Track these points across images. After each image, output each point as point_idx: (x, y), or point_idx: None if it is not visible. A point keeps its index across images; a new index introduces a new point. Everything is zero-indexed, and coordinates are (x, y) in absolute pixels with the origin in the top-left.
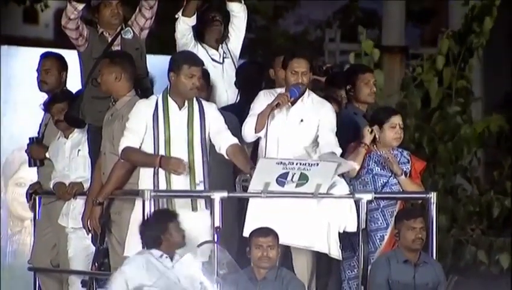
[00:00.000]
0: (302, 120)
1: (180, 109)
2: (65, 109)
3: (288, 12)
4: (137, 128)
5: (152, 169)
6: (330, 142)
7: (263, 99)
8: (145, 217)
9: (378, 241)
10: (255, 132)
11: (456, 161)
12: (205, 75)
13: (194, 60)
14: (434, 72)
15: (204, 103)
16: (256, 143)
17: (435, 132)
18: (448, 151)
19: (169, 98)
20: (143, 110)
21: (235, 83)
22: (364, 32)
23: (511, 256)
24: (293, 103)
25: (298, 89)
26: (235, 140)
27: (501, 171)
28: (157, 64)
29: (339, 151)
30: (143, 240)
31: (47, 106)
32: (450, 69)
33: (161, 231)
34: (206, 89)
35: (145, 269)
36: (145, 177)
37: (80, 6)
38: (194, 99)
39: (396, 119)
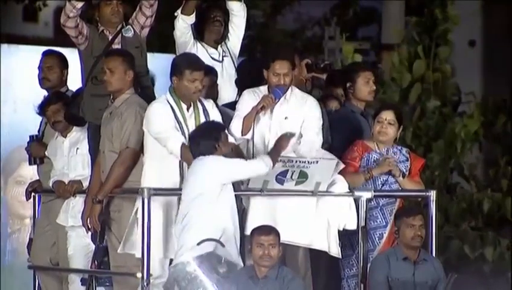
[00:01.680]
0: (286, 117)
1: (187, 110)
2: (60, 110)
3: (285, 8)
4: (172, 127)
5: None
6: (310, 140)
7: (247, 99)
8: (145, 216)
9: (377, 239)
10: (242, 135)
11: (449, 158)
12: (213, 72)
13: (196, 64)
14: (407, 65)
15: (204, 101)
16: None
17: (419, 128)
18: (440, 150)
19: (180, 100)
20: (164, 113)
21: (236, 81)
22: (344, 36)
23: (511, 254)
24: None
25: (281, 90)
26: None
27: (497, 169)
28: (157, 62)
29: (318, 146)
30: (196, 149)
31: (42, 109)
32: (423, 62)
33: (216, 138)
34: (214, 86)
35: None
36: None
37: (79, 5)
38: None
39: (384, 114)
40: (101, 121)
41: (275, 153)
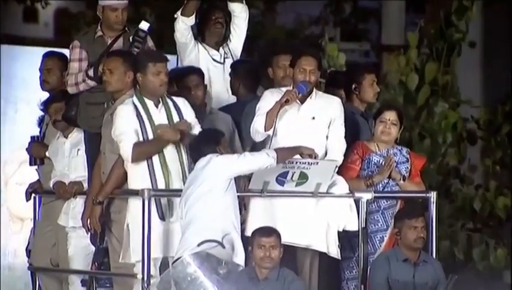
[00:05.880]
0: (313, 117)
1: (157, 107)
2: (63, 109)
3: (280, 6)
4: (129, 129)
5: (147, 170)
6: (340, 141)
7: (270, 98)
8: (145, 217)
9: (378, 242)
10: (265, 130)
11: (436, 154)
12: (201, 74)
13: (158, 57)
14: (413, 66)
15: (175, 98)
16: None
17: (425, 130)
18: (427, 147)
19: (144, 98)
20: (125, 115)
21: (230, 84)
22: (327, 37)
23: (511, 255)
24: (301, 100)
25: (306, 85)
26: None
27: (486, 169)
28: None
29: (344, 147)
30: (198, 154)
31: (45, 106)
32: (434, 64)
33: (216, 142)
34: (204, 88)
35: None
36: (143, 178)
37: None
38: (165, 95)
39: (387, 115)
40: (95, 129)
41: (287, 151)
